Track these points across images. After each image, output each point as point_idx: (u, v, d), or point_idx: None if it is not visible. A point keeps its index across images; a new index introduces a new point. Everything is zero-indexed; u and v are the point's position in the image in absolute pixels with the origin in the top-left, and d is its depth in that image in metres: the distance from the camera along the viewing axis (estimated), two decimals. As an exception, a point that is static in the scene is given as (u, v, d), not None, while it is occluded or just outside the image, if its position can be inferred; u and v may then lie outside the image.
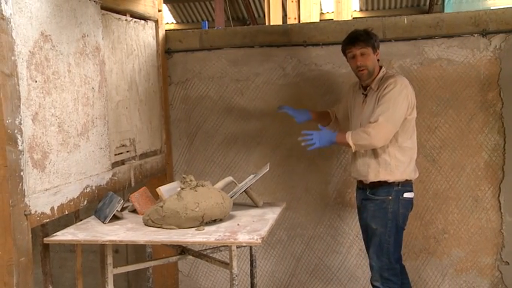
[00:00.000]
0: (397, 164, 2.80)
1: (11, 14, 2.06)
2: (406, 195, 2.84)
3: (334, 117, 3.22)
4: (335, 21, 4.51)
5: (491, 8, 6.46)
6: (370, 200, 2.88)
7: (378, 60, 2.89)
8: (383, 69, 2.90)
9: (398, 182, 2.82)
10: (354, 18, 7.64)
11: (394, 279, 2.86)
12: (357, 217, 3.09)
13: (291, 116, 3.16)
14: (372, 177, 2.84)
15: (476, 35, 3.24)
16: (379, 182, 2.83)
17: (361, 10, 11.26)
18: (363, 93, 2.92)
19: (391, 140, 2.77)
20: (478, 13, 3.25)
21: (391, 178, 2.81)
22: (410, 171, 2.85)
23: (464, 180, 3.33)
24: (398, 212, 2.82)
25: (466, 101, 3.28)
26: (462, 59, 3.26)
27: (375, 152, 2.82)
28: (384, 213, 2.83)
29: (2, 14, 2.01)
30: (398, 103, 2.73)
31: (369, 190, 2.88)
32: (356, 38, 2.83)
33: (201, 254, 2.76)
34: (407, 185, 2.85)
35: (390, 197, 2.82)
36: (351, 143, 2.74)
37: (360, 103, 2.93)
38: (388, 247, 2.84)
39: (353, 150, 2.81)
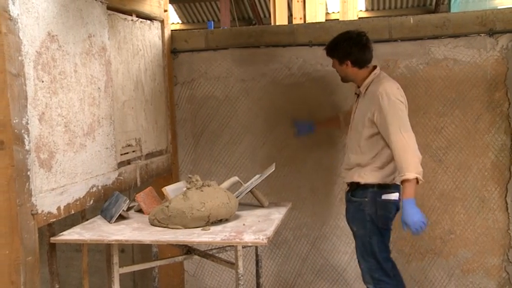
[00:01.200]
0: (370, 168, 2.80)
1: (18, 15, 2.06)
2: (386, 196, 2.78)
3: (344, 117, 3.24)
4: (341, 21, 4.50)
5: (499, 7, 6.44)
6: (350, 202, 2.90)
7: (362, 67, 2.85)
8: (375, 71, 2.86)
9: (373, 184, 2.79)
10: (359, 18, 7.63)
11: (386, 279, 2.84)
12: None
13: (296, 129, 3.41)
14: (348, 178, 2.90)
15: (483, 35, 3.22)
16: (355, 183, 2.84)
17: (367, 10, 11.24)
18: (355, 93, 2.97)
19: (369, 145, 2.79)
20: (485, 12, 3.23)
21: (362, 180, 2.81)
22: (384, 176, 2.78)
23: (470, 181, 3.32)
24: (376, 214, 2.79)
25: (473, 101, 3.27)
26: (469, 58, 3.25)
27: (353, 151, 2.86)
28: (361, 214, 2.82)
29: (10, 15, 2.02)
30: (399, 113, 2.69)
31: (350, 192, 2.90)
32: (327, 46, 2.94)
33: (206, 253, 2.76)
34: (386, 186, 2.79)
35: (366, 199, 2.80)
36: (411, 175, 2.58)
37: (354, 103, 2.98)
38: (372, 247, 2.82)
39: (420, 182, 2.63)
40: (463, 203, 3.35)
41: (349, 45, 2.82)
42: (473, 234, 3.35)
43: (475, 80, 3.25)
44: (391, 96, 2.70)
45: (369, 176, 2.80)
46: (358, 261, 2.91)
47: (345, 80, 2.97)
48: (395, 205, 2.85)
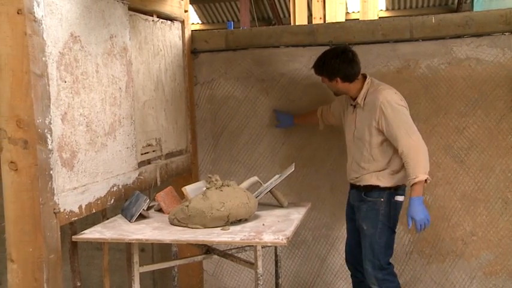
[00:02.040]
0: (388, 172, 2.87)
1: (42, 16, 2.10)
2: (398, 198, 2.88)
3: (321, 114, 3.29)
4: (361, 20, 4.47)
5: (522, 6, 6.31)
6: (363, 202, 2.94)
7: (352, 81, 2.89)
8: (367, 80, 2.91)
9: (390, 187, 2.87)
10: (380, 17, 7.58)
11: (390, 278, 2.92)
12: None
13: (277, 119, 3.47)
14: (364, 182, 2.93)
15: (507, 34, 3.17)
16: (372, 185, 2.89)
17: (387, 9, 11.15)
18: (351, 104, 2.98)
19: (381, 152, 2.86)
20: (509, 11, 3.18)
21: (381, 184, 2.87)
22: (401, 177, 2.87)
23: (493, 182, 3.27)
24: (390, 214, 2.87)
25: (496, 101, 3.22)
26: (492, 58, 3.20)
27: (365, 160, 2.89)
28: (375, 214, 2.88)
29: (34, 16, 2.05)
30: (404, 118, 2.79)
31: (363, 192, 2.94)
32: (314, 65, 2.97)
33: (226, 253, 2.77)
34: (402, 188, 2.90)
35: (382, 199, 2.87)
36: (423, 177, 2.70)
37: (350, 113, 2.99)
38: (379, 248, 2.88)
39: (428, 181, 2.74)
40: (485, 204, 3.30)
41: (336, 63, 2.87)
42: (495, 236, 3.30)
43: (499, 79, 3.20)
44: (393, 103, 2.79)
45: (387, 180, 2.87)
46: (363, 263, 2.95)
47: (337, 94, 3.02)
48: (401, 207, 2.94)
